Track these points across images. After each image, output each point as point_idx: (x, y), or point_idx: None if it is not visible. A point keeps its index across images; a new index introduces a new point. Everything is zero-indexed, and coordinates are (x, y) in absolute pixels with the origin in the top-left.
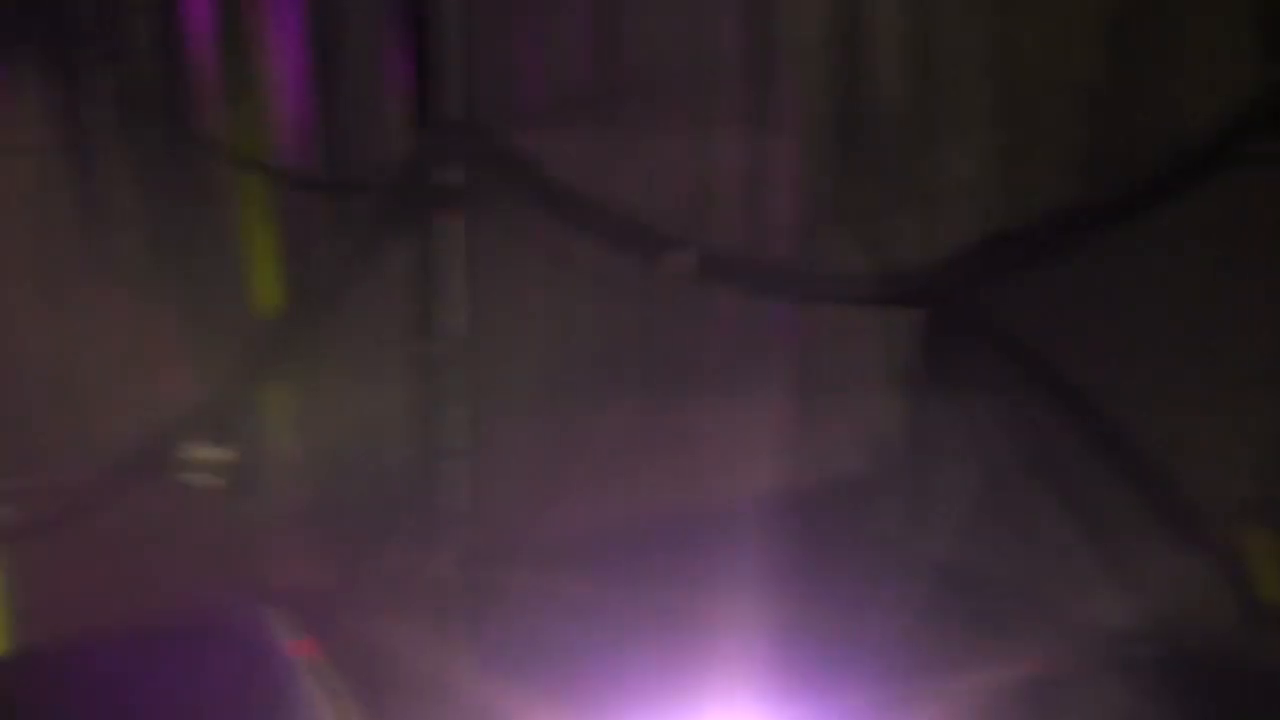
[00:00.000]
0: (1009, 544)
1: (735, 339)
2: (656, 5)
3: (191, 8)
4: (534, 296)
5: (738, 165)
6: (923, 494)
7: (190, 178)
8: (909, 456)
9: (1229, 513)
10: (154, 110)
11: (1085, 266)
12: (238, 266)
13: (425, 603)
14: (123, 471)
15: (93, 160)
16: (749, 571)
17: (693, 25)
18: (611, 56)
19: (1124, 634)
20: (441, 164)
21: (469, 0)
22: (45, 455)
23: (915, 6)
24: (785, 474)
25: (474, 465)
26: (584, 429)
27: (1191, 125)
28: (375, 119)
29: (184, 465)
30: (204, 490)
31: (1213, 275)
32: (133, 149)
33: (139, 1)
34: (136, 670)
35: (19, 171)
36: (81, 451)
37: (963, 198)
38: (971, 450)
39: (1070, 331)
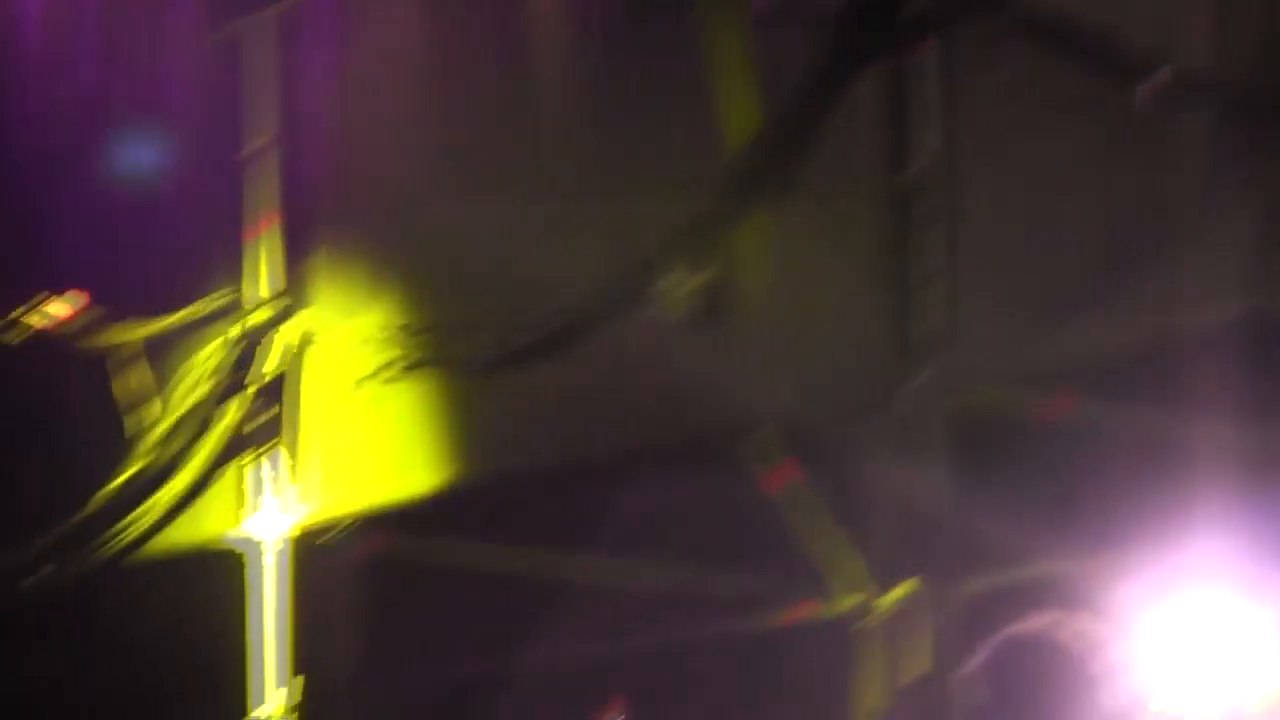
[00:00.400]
0: None
1: (1204, 160)
2: None
3: None
4: (1008, 121)
5: None
6: None
7: (663, 16)
8: None
9: None
10: None
11: None
12: (711, 101)
13: (902, 429)
14: (599, 303)
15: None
16: (1227, 397)
17: None
18: None
19: None
20: None
21: None
22: (526, 291)
23: None
24: (1254, 302)
25: (951, 289)
26: (1056, 253)
27: None
28: None
29: (659, 296)
30: (678, 320)
31: None
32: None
33: None
34: (630, 495)
35: None
36: (560, 287)
37: None
38: None
39: None
